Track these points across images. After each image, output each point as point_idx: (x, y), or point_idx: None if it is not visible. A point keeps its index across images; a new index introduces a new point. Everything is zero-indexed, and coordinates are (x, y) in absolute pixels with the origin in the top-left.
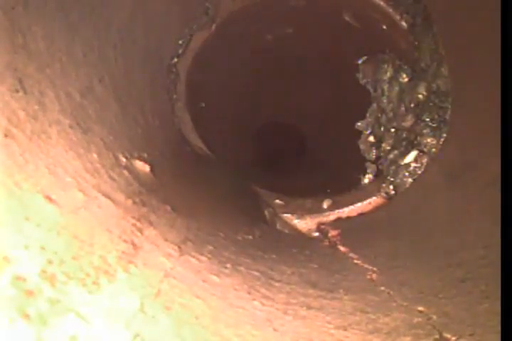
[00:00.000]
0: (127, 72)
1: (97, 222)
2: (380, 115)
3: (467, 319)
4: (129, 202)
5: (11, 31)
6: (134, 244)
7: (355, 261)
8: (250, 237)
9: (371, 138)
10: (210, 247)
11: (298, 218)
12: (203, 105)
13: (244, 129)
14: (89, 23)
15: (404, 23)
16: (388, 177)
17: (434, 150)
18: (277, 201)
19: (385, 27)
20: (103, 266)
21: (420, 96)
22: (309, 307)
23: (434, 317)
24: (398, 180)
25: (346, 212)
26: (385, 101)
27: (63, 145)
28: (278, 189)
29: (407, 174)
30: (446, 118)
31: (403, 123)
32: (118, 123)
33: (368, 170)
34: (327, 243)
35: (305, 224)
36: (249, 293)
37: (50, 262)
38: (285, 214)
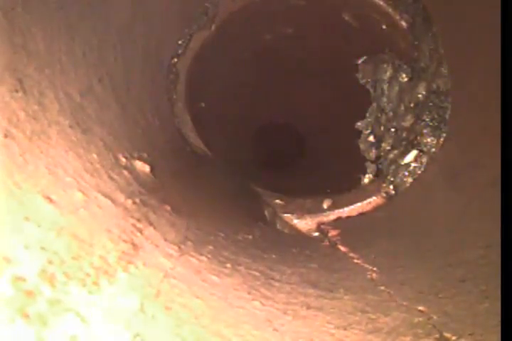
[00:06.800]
0: (127, 72)
1: (97, 222)
2: (379, 115)
3: (467, 318)
4: (129, 202)
5: (10, 31)
6: (134, 244)
7: (355, 261)
8: (250, 237)
9: (371, 138)
10: (210, 247)
11: (298, 218)
12: (203, 105)
13: (244, 129)
14: (89, 23)
15: (403, 23)
16: (388, 177)
17: (434, 150)
18: (277, 201)
19: (384, 27)
20: (103, 266)
21: (420, 95)
22: (309, 307)
23: (435, 316)
24: (398, 180)
25: (346, 212)
26: (384, 100)
27: (63, 146)
28: (278, 189)
29: (407, 174)
30: (446, 118)
31: (403, 123)
32: (118, 123)
33: (368, 170)
34: (327, 243)
35: (305, 224)
36: (249, 293)
37: (50, 262)
38: (285, 214)
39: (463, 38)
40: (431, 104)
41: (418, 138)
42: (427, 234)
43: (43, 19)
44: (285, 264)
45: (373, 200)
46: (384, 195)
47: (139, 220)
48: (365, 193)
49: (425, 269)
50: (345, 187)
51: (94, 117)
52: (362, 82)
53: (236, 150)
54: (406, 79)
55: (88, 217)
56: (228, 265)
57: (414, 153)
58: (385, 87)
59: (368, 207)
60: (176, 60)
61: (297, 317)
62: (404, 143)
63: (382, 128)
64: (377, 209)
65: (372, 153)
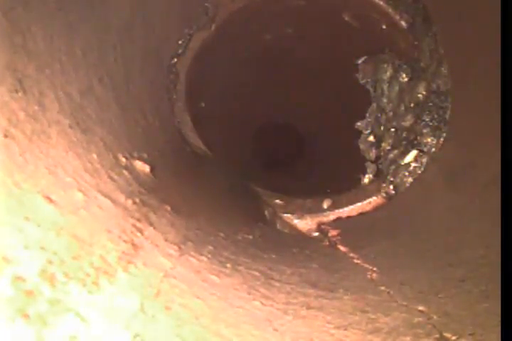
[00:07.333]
0: (127, 72)
1: (97, 222)
2: (379, 115)
3: (467, 318)
4: (129, 202)
5: (10, 31)
6: (134, 244)
7: (355, 261)
8: (250, 237)
9: (371, 138)
10: (210, 247)
11: (298, 218)
12: (203, 105)
13: (244, 129)
14: (89, 23)
15: (403, 23)
16: (388, 177)
17: (434, 150)
18: (277, 201)
19: (384, 27)
20: (103, 266)
21: (420, 95)
22: (309, 307)
23: (435, 316)
24: (398, 180)
25: (346, 211)
26: (384, 100)
27: (63, 146)
28: (278, 189)
29: (407, 174)
30: (446, 118)
31: (403, 123)
32: (118, 123)
33: (368, 170)
34: (327, 243)
35: (305, 224)
36: (249, 293)
37: (50, 262)
38: (285, 214)
39: (463, 38)
40: (431, 104)
41: (418, 138)
42: (426, 234)
43: (43, 19)
44: (285, 264)
45: (373, 200)
46: (384, 195)
47: (139, 220)
48: (365, 193)
49: (425, 269)
50: (345, 187)
51: (94, 117)
52: (362, 82)
53: (236, 150)
54: (406, 79)
55: (88, 217)
56: (228, 265)
57: (414, 153)
58: (385, 87)
59: (368, 207)
60: (175, 60)
61: (297, 317)
62: (404, 143)
63: (382, 128)
64: (377, 209)
65: (372, 153)
